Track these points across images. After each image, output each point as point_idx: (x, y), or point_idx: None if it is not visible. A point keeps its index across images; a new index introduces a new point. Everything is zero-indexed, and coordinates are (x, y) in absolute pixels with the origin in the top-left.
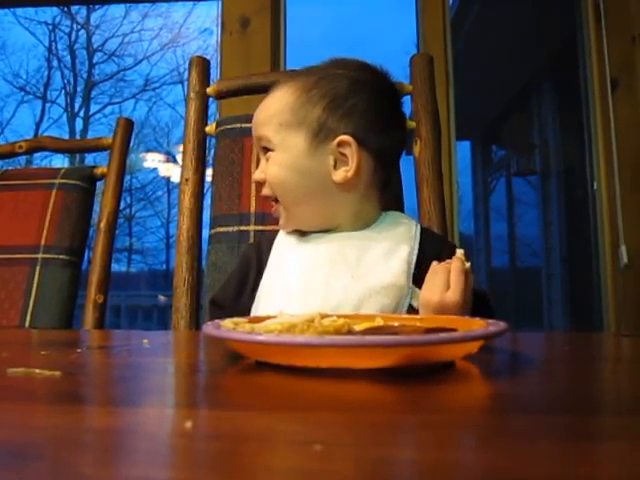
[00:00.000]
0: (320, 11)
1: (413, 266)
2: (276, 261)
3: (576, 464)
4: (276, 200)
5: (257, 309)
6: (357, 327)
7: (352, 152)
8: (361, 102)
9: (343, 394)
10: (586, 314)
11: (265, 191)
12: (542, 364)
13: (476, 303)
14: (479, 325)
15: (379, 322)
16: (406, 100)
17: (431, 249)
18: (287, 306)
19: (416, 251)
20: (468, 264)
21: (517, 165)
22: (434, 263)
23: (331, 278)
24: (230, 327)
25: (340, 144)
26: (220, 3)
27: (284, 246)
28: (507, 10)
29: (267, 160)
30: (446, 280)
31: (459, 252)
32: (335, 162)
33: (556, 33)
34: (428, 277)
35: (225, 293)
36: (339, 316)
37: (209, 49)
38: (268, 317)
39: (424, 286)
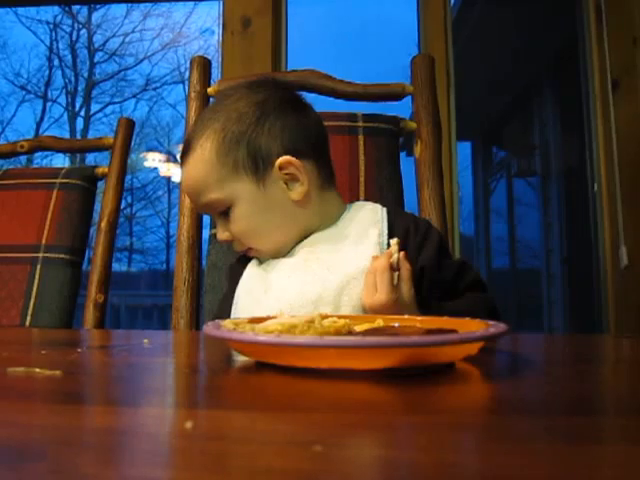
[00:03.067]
0: (321, 11)
1: (385, 247)
2: (254, 265)
3: (576, 465)
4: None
5: (236, 309)
6: (357, 328)
7: (297, 167)
8: (276, 120)
9: (343, 395)
10: (586, 315)
11: (238, 247)
12: (542, 365)
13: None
14: (479, 326)
15: (379, 323)
16: (407, 101)
17: (400, 227)
18: (268, 307)
19: (386, 232)
20: (395, 256)
21: (517, 166)
22: (371, 260)
23: (307, 275)
24: (230, 327)
25: (281, 167)
26: (221, 3)
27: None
28: (508, 11)
29: (227, 219)
30: (374, 281)
31: (392, 242)
32: (286, 184)
33: (557, 34)
34: (364, 278)
35: (225, 312)
36: (339, 317)
37: (210, 49)
38: (268, 318)
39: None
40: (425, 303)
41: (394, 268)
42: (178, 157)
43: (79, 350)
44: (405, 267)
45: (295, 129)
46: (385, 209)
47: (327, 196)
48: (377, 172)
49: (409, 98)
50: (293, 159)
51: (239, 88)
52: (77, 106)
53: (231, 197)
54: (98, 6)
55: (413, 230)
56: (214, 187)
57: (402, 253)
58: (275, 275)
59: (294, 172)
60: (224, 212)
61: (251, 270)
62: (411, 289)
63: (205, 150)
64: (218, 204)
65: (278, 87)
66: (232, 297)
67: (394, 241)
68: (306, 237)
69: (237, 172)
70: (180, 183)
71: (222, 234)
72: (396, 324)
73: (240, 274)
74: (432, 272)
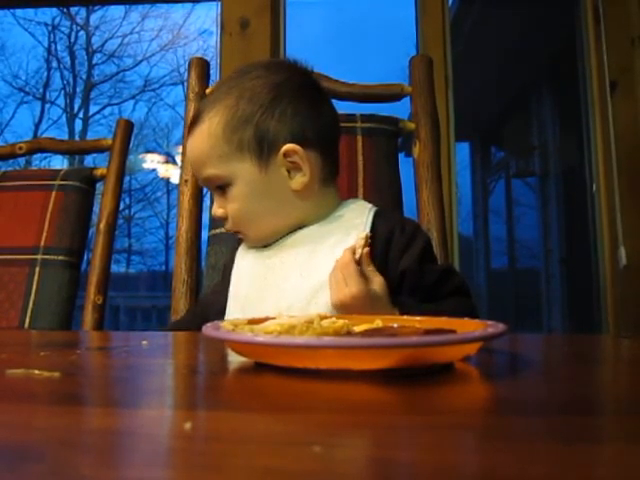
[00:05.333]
0: (320, 13)
1: (357, 257)
2: (237, 267)
3: (575, 465)
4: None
5: (229, 313)
6: (356, 328)
7: (301, 157)
8: (288, 105)
9: (342, 395)
10: (585, 315)
11: (228, 227)
12: (541, 366)
13: (435, 282)
14: (478, 327)
15: (378, 323)
16: (405, 102)
17: (382, 231)
18: (244, 311)
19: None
20: (358, 252)
21: (516, 167)
22: (339, 255)
23: (282, 280)
24: (229, 328)
25: (286, 154)
26: (220, 4)
27: (242, 252)
28: (507, 12)
29: (225, 196)
30: (342, 277)
31: (360, 237)
32: (288, 171)
33: (555, 35)
34: (329, 278)
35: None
36: (338, 317)
37: (209, 50)
38: (267, 318)
39: (329, 288)
40: (404, 305)
41: (358, 263)
42: (177, 158)
43: (78, 351)
44: (367, 263)
45: (306, 118)
46: (374, 210)
47: (326, 191)
48: (376, 173)
49: (408, 99)
50: (298, 148)
51: (258, 66)
52: (76, 108)
53: (231, 176)
54: (96, 7)
55: (398, 233)
56: (216, 162)
57: (366, 250)
58: (255, 282)
59: (298, 161)
60: (222, 188)
61: (236, 277)
62: (382, 282)
63: (213, 124)
64: (217, 180)
65: (297, 71)
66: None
67: (362, 235)
68: (296, 229)
69: (241, 152)
70: (185, 152)
71: (217, 210)
72: (395, 325)
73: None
74: (413, 276)
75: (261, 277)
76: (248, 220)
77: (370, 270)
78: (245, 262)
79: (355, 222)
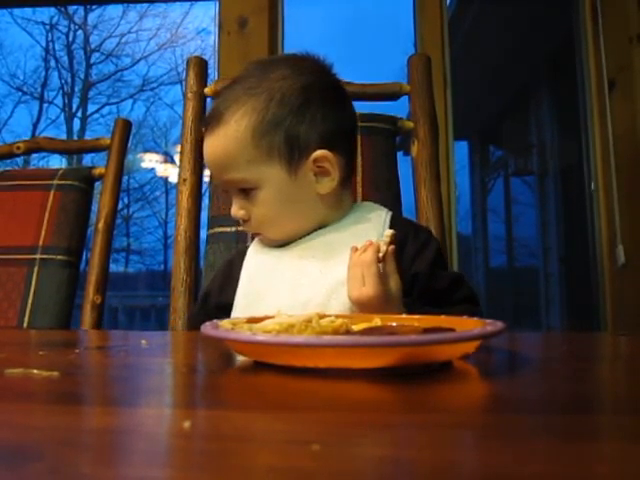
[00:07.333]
0: (318, 11)
1: (381, 255)
2: (249, 262)
3: (574, 463)
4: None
5: (235, 309)
6: (355, 327)
7: (331, 163)
8: (317, 110)
9: (341, 394)
10: (584, 314)
11: (250, 228)
12: (540, 364)
13: (448, 287)
14: (476, 325)
15: (377, 322)
16: (404, 101)
17: (399, 233)
18: (258, 306)
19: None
20: (383, 249)
21: (515, 165)
22: (350, 253)
23: (299, 275)
24: (228, 327)
25: (316, 160)
26: (218, 3)
27: (256, 248)
28: (505, 10)
29: (248, 199)
30: (362, 274)
31: (386, 234)
32: (315, 175)
33: (554, 34)
34: (347, 272)
35: (210, 287)
36: (337, 316)
37: (208, 49)
38: (266, 317)
39: (347, 282)
40: (413, 306)
41: (380, 260)
42: (175, 158)
43: (77, 351)
44: (390, 262)
45: (334, 121)
46: (390, 215)
47: (345, 192)
48: (374, 172)
49: (406, 98)
50: (329, 154)
51: (280, 64)
52: (74, 107)
53: (259, 180)
54: (94, 7)
55: (412, 237)
56: (243, 167)
57: (391, 247)
58: (269, 276)
59: (327, 167)
60: (246, 191)
61: (248, 271)
62: (398, 282)
63: (241, 127)
64: (243, 183)
65: (323, 72)
66: (223, 278)
67: (387, 232)
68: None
69: (270, 157)
70: (203, 152)
71: (238, 211)
72: (394, 323)
73: (237, 274)
74: (425, 281)
75: (278, 272)
76: (271, 223)
77: (391, 269)
78: (256, 260)
79: (373, 224)
